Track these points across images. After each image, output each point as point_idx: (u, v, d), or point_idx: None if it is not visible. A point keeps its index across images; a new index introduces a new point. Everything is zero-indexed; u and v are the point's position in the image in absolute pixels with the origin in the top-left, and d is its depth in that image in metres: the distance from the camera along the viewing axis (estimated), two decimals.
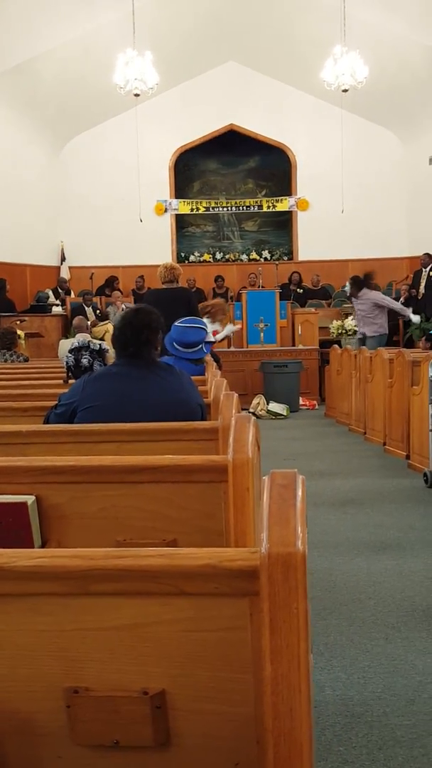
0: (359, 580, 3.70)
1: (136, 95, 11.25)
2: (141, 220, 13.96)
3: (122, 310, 11.00)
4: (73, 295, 13.37)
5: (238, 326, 10.33)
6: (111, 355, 3.91)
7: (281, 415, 9.62)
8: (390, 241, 14.40)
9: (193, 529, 2.03)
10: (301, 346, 11.34)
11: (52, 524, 2.03)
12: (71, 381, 3.68)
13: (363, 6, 11.04)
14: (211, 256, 15.15)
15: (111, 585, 1.16)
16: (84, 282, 13.54)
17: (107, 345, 3.98)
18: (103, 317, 11.65)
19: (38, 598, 1.19)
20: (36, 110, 13.02)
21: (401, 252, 14.45)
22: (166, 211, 14.82)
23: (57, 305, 12.50)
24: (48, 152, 14.25)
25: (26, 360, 7.10)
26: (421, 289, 12.31)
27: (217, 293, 14.05)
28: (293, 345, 11.54)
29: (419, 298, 12.28)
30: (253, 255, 15.11)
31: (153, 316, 2.95)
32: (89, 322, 10.00)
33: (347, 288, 10.31)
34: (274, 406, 9.71)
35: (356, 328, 10.23)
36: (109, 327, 10.32)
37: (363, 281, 9.69)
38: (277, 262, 13.74)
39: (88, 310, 11.77)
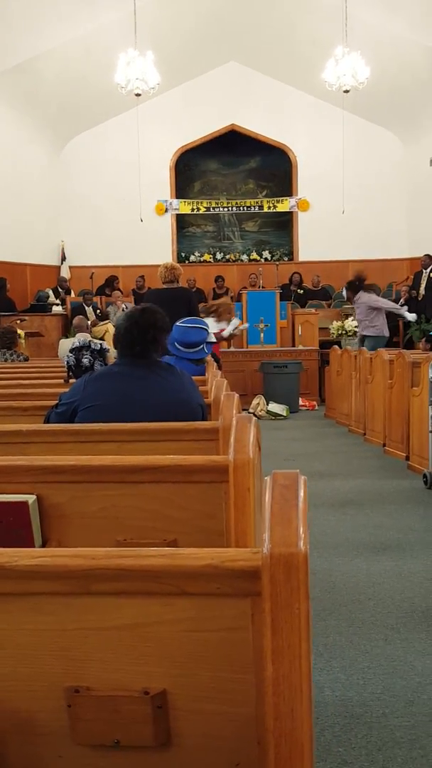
0: (359, 581, 3.70)
1: (138, 95, 11.25)
2: (141, 220, 13.97)
3: (123, 310, 11.00)
4: (73, 294, 13.37)
5: (245, 325, 10.34)
6: (112, 355, 3.92)
7: (281, 415, 9.62)
8: (390, 242, 14.41)
9: (193, 529, 2.03)
10: (301, 347, 11.35)
11: (53, 524, 2.03)
12: (72, 380, 3.68)
13: (364, 6, 11.05)
14: (211, 256, 15.15)
15: (112, 585, 1.16)
16: (84, 281, 13.55)
17: (107, 345, 3.98)
18: (103, 317, 11.65)
19: (40, 598, 1.19)
20: (37, 109, 13.03)
21: (401, 253, 14.45)
22: (166, 211, 14.83)
23: (57, 305, 12.50)
24: (49, 151, 14.25)
25: (26, 359, 7.10)
26: (422, 290, 12.32)
27: (217, 293, 14.05)
28: (293, 345, 11.54)
29: (419, 299, 12.28)
30: (254, 255, 15.11)
31: (159, 315, 2.96)
32: (89, 322, 10.00)
33: (344, 293, 10.32)
34: (274, 407, 9.71)
35: (356, 330, 10.23)
36: (109, 327, 10.33)
37: (358, 284, 9.69)
38: (277, 263, 13.75)
39: (89, 310, 11.77)
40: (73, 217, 14.41)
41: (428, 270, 12.34)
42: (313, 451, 7.32)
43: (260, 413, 9.56)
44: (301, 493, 1.15)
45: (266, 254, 15.07)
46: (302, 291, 13.49)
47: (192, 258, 15.06)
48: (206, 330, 5.29)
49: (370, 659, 2.86)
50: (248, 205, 15.01)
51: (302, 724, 1.08)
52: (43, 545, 1.99)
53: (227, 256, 15.17)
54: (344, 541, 4.33)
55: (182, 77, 13.90)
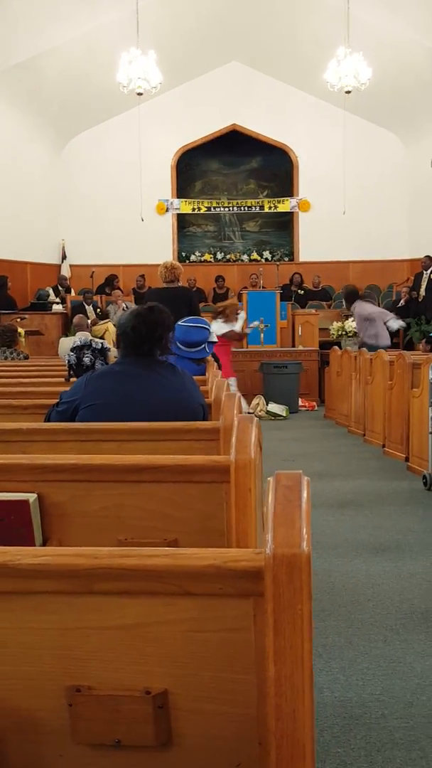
0: (358, 581, 3.70)
1: (139, 94, 11.25)
2: (142, 219, 13.96)
3: (123, 309, 11.01)
4: (73, 293, 13.36)
5: (256, 321, 10.38)
6: (112, 354, 3.92)
7: (280, 416, 9.62)
8: (391, 243, 14.41)
9: (194, 529, 2.02)
10: (301, 347, 11.35)
11: (54, 522, 2.03)
12: (73, 379, 3.68)
13: (367, 7, 11.05)
14: (211, 256, 15.15)
15: (115, 584, 1.16)
16: (84, 280, 13.54)
17: (108, 344, 3.98)
18: (103, 316, 11.65)
19: (42, 597, 1.19)
20: (39, 108, 13.02)
21: (402, 254, 14.45)
22: (167, 210, 14.83)
23: (57, 303, 12.50)
24: (50, 150, 14.25)
25: (26, 358, 7.10)
26: (422, 292, 12.31)
27: (217, 293, 14.06)
28: (293, 346, 11.55)
29: (420, 300, 12.28)
30: (254, 255, 15.11)
31: (165, 314, 2.96)
32: (89, 321, 10.00)
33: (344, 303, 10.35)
34: (274, 407, 9.71)
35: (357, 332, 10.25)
36: (109, 326, 10.32)
37: (352, 296, 9.72)
38: (277, 263, 13.75)
39: (89, 309, 11.77)
40: (74, 216, 14.41)
41: (429, 271, 12.34)
42: (312, 451, 7.32)
43: (260, 413, 9.56)
44: (304, 494, 1.15)
45: (267, 254, 15.07)
46: (302, 291, 13.48)
47: (192, 258, 15.05)
48: (207, 329, 5.29)
49: (369, 660, 2.86)
50: (249, 205, 15.01)
51: (304, 725, 1.08)
52: (44, 544, 1.99)
53: (228, 256, 15.17)
54: (343, 542, 4.33)
55: (184, 77, 13.89)
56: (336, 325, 11.69)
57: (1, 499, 1.93)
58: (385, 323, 9.51)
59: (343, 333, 11.36)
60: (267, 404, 9.78)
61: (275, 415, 9.60)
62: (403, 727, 2.39)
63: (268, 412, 9.63)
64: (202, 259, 15.11)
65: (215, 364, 5.88)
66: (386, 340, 9.37)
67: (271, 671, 1.09)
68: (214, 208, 15.04)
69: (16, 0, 10.17)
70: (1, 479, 2.04)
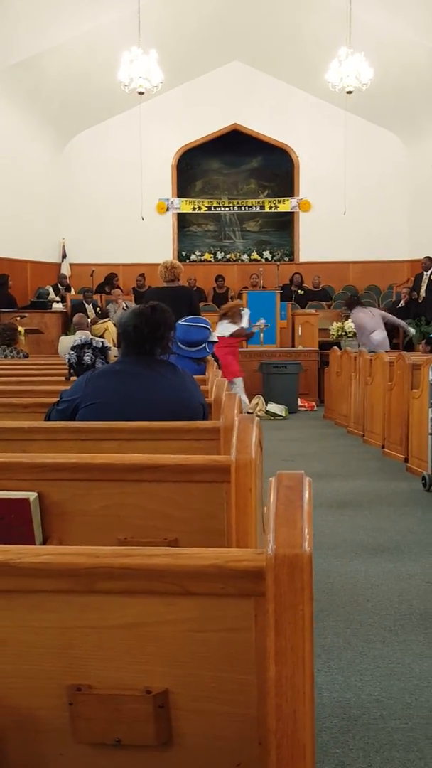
0: (357, 582, 3.70)
1: (141, 93, 11.25)
2: (143, 219, 13.96)
3: (123, 308, 11.00)
4: (73, 291, 13.36)
5: (262, 320, 10.43)
6: (113, 353, 3.92)
7: (280, 416, 9.62)
8: (391, 244, 14.41)
9: (194, 528, 2.02)
10: (300, 347, 11.35)
11: (54, 521, 2.03)
12: (73, 378, 3.68)
13: (368, 8, 11.05)
14: (212, 255, 15.15)
15: (116, 583, 1.16)
16: (85, 279, 13.54)
17: (108, 343, 3.98)
18: (103, 315, 11.65)
19: (43, 595, 1.19)
20: (40, 106, 13.02)
21: (402, 255, 14.46)
22: (167, 209, 14.83)
23: (57, 302, 12.50)
24: (51, 149, 14.25)
25: (26, 356, 7.10)
26: (422, 293, 12.32)
27: (217, 293, 14.06)
28: (293, 346, 11.55)
29: (420, 301, 12.28)
30: (254, 255, 15.11)
31: (168, 313, 2.96)
32: (89, 320, 9.99)
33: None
34: (273, 407, 9.71)
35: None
36: (109, 325, 10.32)
37: (350, 303, 9.74)
38: (278, 263, 13.75)
39: (89, 308, 11.77)
40: (75, 215, 14.41)
41: (429, 272, 12.35)
42: (311, 451, 7.32)
43: (259, 413, 9.56)
44: (306, 495, 1.15)
45: (267, 254, 15.07)
46: (302, 291, 13.48)
47: (192, 257, 15.06)
48: (208, 329, 5.29)
49: (368, 661, 2.86)
50: (249, 204, 15.01)
51: (305, 725, 1.08)
52: (44, 543, 1.99)
53: (228, 256, 15.17)
54: (342, 543, 4.33)
55: (185, 76, 13.89)
56: (336, 325, 11.70)
57: (1, 498, 1.93)
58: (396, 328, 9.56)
59: (343, 333, 11.37)
60: (266, 404, 9.78)
61: (274, 415, 9.60)
62: (402, 728, 2.39)
63: (267, 412, 9.63)
64: (202, 258, 15.11)
65: (215, 363, 5.89)
66: (386, 346, 9.38)
67: (272, 671, 1.09)
68: (215, 207, 15.04)
69: None
70: (1, 477, 2.04)
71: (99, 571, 1.15)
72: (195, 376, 3.39)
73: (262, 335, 11.04)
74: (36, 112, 13.15)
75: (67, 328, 11.25)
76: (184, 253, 14.97)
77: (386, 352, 8.72)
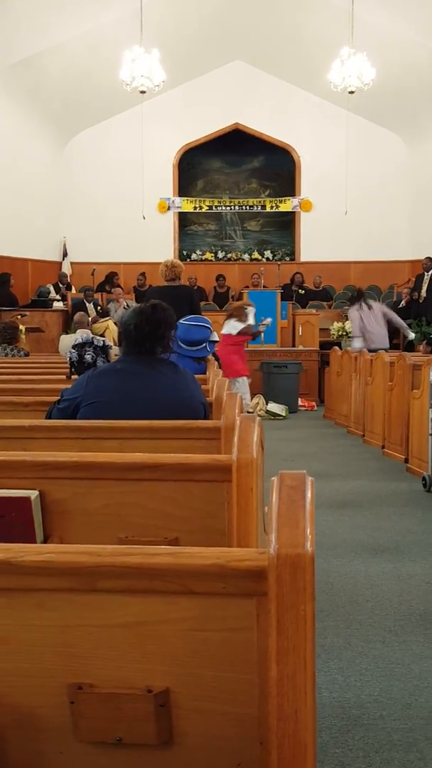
0: (357, 582, 3.70)
1: (142, 92, 11.24)
2: (144, 218, 13.96)
3: (125, 307, 11.00)
4: (74, 290, 13.36)
5: (269, 319, 10.47)
6: (114, 351, 3.92)
7: (280, 415, 9.62)
8: (392, 244, 14.40)
9: (195, 527, 2.02)
10: (301, 347, 11.35)
11: (55, 520, 2.03)
12: (74, 377, 3.68)
13: (371, 8, 11.04)
14: (212, 254, 15.15)
15: (118, 582, 1.16)
16: (85, 278, 13.54)
17: (109, 342, 3.98)
18: (103, 314, 11.65)
19: (44, 594, 1.19)
20: (41, 105, 13.02)
21: (403, 255, 14.45)
22: (169, 208, 14.82)
23: (58, 300, 12.50)
24: (52, 147, 14.24)
25: (27, 355, 7.09)
26: (423, 293, 12.31)
27: (218, 292, 14.06)
28: (293, 346, 11.55)
29: (420, 301, 12.28)
30: (255, 255, 15.10)
31: (169, 312, 2.96)
32: (90, 318, 9.99)
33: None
34: (273, 407, 9.71)
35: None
36: (109, 324, 10.32)
37: (352, 297, 9.69)
38: (278, 263, 13.74)
39: (89, 306, 11.76)
40: (76, 214, 14.40)
41: (430, 272, 12.34)
42: (311, 451, 7.32)
43: (259, 413, 9.56)
44: (308, 495, 1.15)
45: (268, 254, 15.07)
46: (303, 291, 13.48)
47: (193, 256, 15.05)
48: (209, 328, 5.29)
49: (367, 661, 2.86)
50: (251, 204, 15.01)
51: (306, 725, 1.08)
52: (45, 541, 1.99)
53: (229, 255, 15.17)
54: (342, 543, 4.33)
55: (187, 75, 13.89)
56: (336, 325, 11.69)
57: (2, 496, 1.93)
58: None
59: (344, 333, 11.36)
60: (267, 404, 9.78)
61: (275, 415, 9.60)
62: (402, 729, 2.39)
63: (267, 411, 9.63)
64: (203, 257, 15.10)
65: (216, 363, 5.88)
66: (383, 344, 9.27)
67: (273, 671, 1.09)
68: (216, 207, 15.03)
69: None
70: (2, 476, 2.04)
71: (100, 570, 1.15)
72: (196, 376, 3.39)
73: (262, 335, 11.04)
74: (37, 111, 13.15)
75: (67, 327, 11.25)
76: (184, 253, 14.97)
77: (387, 352, 8.70)
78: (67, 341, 8.18)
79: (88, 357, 3.65)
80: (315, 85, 13.47)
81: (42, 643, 1.20)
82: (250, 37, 12.96)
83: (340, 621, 3.23)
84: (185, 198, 14.91)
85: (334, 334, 11.55)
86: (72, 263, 14.33)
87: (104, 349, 3.70)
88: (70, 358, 3.75)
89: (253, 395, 9.96)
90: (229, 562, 1.12)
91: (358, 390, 8.29)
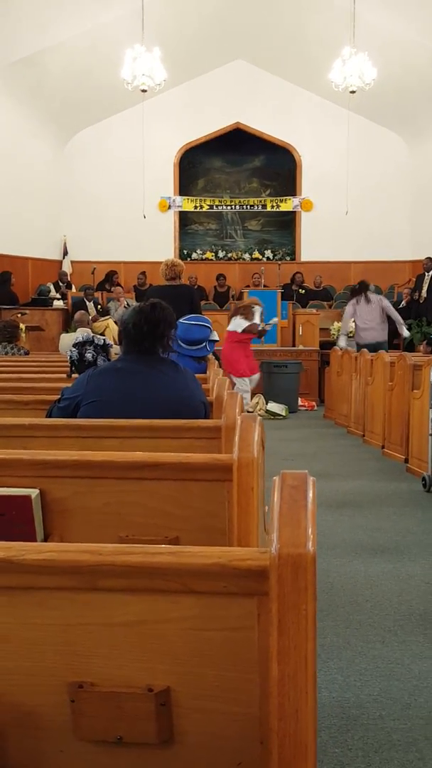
0: (356, 582, 3.70)
1: (143, 91, 11.23)
2: (144, 217, 13.95)
3: (125, 306, 10.99)
4: (74, 289, 13.36)
5: (275, 319, 10.56)
6: (115, 350, 3.91)
7: (280, 415, 9.62)
8: (393, 244, 14.40)
9: (195, 527, 2.02)
10: (301, 347, 11.35)
11: (55, 518, 2.03)
12: (75, 375, 3.68)
13: (372, 8, 11.04)
14: (213, 254, 15.14)
15: (119, 581, 1.16)
16: (86, 276, 13.54)
17: (110, 340, 3.98)
18: (104, 312, 11.64)
19: (45, 592, 1.19)
20: (42, 103, 13.01)
21: (404, 255, 14.45)
22: (169, 207, 14.82)
23: (58, 299, 12.49)
24: (53, 146, 14.23)
25: (27, 353, 7.09)
26: (423, 293, 12.31)
27: (218, 292, 14.06)
28: (293, 345, 11.55)
29: (421, 302, 12.28)
30: (256, 254, 15.10)
31: (168, 311, 2.96)
32: (90, 317, 9.98)
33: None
34: (273, 407, 9.71)
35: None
36: (109, 322, 10.31)
37: (353, 289, 9.67)
38: (279, 262, 13.74)
39: (90, 305, 11.76)
40: (76, 212, 14.40)
41: (430, 273, 12.33)
42: (311, 451, 7.32)
43: (259, 413, 9.55)
44: (310, 494, 1.15)
45: (268, 253, 15.06)
46: (303, 291, 13.48)
47: (194, 256, 15.04)
48: (209, 328, 5.29)
49: (367, 661, 2.86)
50: (251, 203, 15.00)
51: (307, 725, 1.08)
52: (45, 540, 1.99)
53: (229, 255, 15.16)
54: (342, 542, 4.33)
55: (189, 74, 13.88)
56: (336, 325, 11.67)
57: (2, 494, 1.93)
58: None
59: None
60: (267, 403, 9.78)
61: (275, 415, 9.60)
62: (401, 729, 2.39)
63: (267, 411, 9.63)
64: (204, 257, 15.10)
65: (216, 362, 5.89)
66: (364, 341, 9.28)
67: (274, 671, 1.09)
68: (217, 206, 15.03)
69: None
70: (2, 474, 2.04)
71: (102, 569, 1.15)
72: (196, 375, 3.39)
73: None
74: (38, 110, 13.14)
75: (67, 326, 11.24)
76: (185, 252, 14.97)
77: (382, 348, 8.70)
78: (67, 340, 8.18)
79: (88, 355, 3.65)
80: (316, 85, 13.46)
81: (43, 641, 1.20)
82: (251, 36, 12.95)
83: (340, 621, 3.23)
84: (186, 197, 14.91)
85: (334, 334, 11.52)
86: (72, 262, 14.33)
87: (105, 348, 3.70)
88: (71, 357, 3.75)
89: (253, 395, 9.97)
90: (231, 561, 1.12)
91: (358, 390, 8.29)
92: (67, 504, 2.03)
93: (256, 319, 8.86)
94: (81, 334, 4.57)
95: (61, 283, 13.34)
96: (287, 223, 15.12)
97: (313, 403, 10.70)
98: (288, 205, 14.90)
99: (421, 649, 2.96)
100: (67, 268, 14.08)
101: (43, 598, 1.19)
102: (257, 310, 8.83)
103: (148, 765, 1.22)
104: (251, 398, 9.64)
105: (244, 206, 15.00)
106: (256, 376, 9.41)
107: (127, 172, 14.13)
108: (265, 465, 2.17)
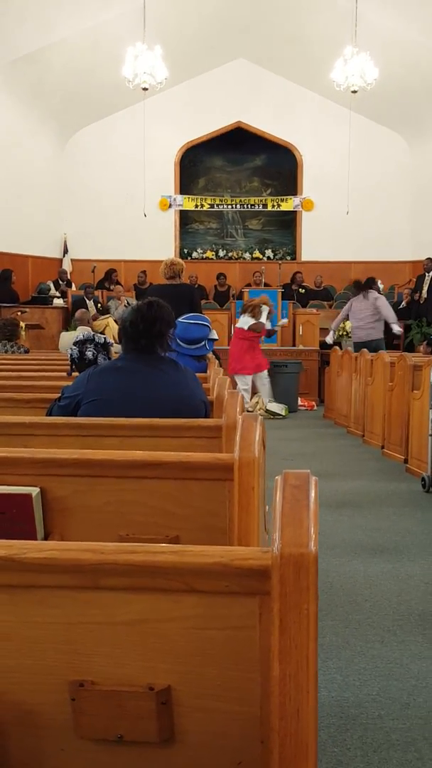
0: (356, 582, 3.70)
1: (145, 89, 11.23)
2: (145, 215, 13.95)
3: (125, 305, 10.99)
4: (74, 287, 13.36)
5: (284, 320, 10.68)
6: (115, 349, 3.91)
7: (280, 415, 9.62)
8: (394, 244, 14.40)
9: (196, 526, 2.02)
10: (301, 347, 11.35)
11: (55, 517, 2.03)
12: (75, 374, 3.68)
13: (374, 7, 11.04)
14: (213, 253, 15.14)
15: (121, 580, 1.16)
16: (86, 275, 13.53)
17: (110, 339, 3.98)
18: (104, 311, 11.64)
19: (47, 591, 1.19)
20: (43, 101, 13.00)
21: (404, 255, 14.45)
22: (170, 206, 14.81)
23: (58, 297, 12.49)
24: (54, 143, 14.23)
25: (27, 351, 7.09)
26: (424, 294, 12.31)
27: (218, 291, 14.06)
28: (294, 345, 11.55)
29: (421, 302, 12.28)
30: (256, 254, 15.09)
31: (166, 309, 2.96)
32: (90, 316, 9.98)
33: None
34: (273, 406, 9.70)
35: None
36: (109, 321, 10.32)
37: (358, 286, 9.66)
38: (279, 262, 13.73)
39: (90, 304, 11.75)
40: (77, 210, 14.39)
41: (431, 273, 12.34)
42: (311, 451, 7.32)
43: (259, 412, 9.55)
44: (312, 494, 1.15)
45: (269, 253, 15.06)
46: (303, 290, 13.48)
47: (194, 255, 15.04)
48: (208, 327, 5.29)
49: (366, 661, 2.86)
50: (252, 203, 14.99)
51: (308, 724, 1.09)
52: (45, 538, 1.99)
53: (229, 254, 15.15)
54: (341, 542, 4.33)
55: (190, 73, 13.88)
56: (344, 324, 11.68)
57: (3, 493, 1.93)
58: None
59: (344, 333, 11.36)
60: (266, 403, 9.77)
61: (274, 414, 9.60)
62: (400, 729, 2.39)
63: (267, 410, 9.62)
64: (204, 256, 15.09)
65: (216, 361, 5.89)
66: (331, 340, 9.38)
67: (275, 670, 1.09)
68: (217, 205, 15.02)
69: None
70: (2, 473, 2.04)
71: (104, 568, 1.15)
72: (197, 374, 3.39)
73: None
74: (39, 108, 13.13)
75: (67, 324, 11.24)
76: (185, 251, 14.96)
77: (383, 350, 8.70)
78: (67, 338, 8.17)
79: (89, 354, 3.65)
80: (318, 84, 13.46)
81: (44, 640, 1.20)
82: (253, 35, 12.95)
83: (339, 621, 3.23)
84: (186, 196, 14.90)
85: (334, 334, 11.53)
86: (72, 260, 14.33)
87: (105, 347, 3.70)
88: (71, 355, 3.75)
89: (253, 394, 9.98)
90: (233, 560, 1.13)
91: (358, 390, 8.29)
92: (67, 502, 2.03)
93: (263, 318, 8.93)
94: (81, 332, 4.57)
95: (61, 282, 13.34)
96: (288, 223, 15.11)
97: (313, 403, 10.71)
98: (289, 204, 14.89)
99: (420, 649, 2.97)
100: (67, 266, 14.08)
101: (44, 597, 1.19)
102: (264, 310, 8.89)
103: (149, 764, 1.22)
104: (252, 397, 9.67)
105: (245, 205, 15.00)
106: (264, 374, 9.45)
107: (128, 171, 14.13)
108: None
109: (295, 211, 14.93)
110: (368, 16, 11.08)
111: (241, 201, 14.99)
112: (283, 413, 9.66)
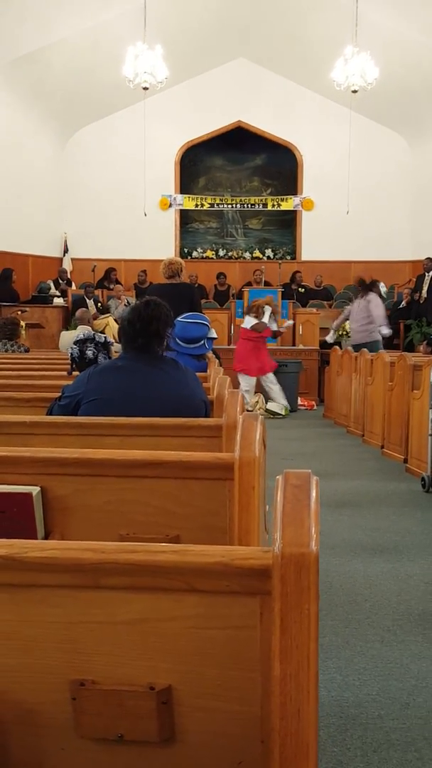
0: (356, 582, 3.70)
1: (145, 89, 11.22)
2: (145, 215, 13.94)
3: (126, 304, 10.99)
4: (74, 286, 13.35)
5: (289, 322, 10.75)
6: (115, 348, 3.91)
7: (279, 414, 9.62)
8: (394, 244, 14.40)
9: (196, 525, 2.03)
10: (301, 346, 11.34)
11: (56, 516, 2.03)
12: (75, 373, 3.67)
13: (375, 7, 11.03)
14: (214, 252, 15.13)
15: (121, 579, 1.16)
16: (86, 274, 13.53)
17: (110, 338, 3.98)
18: (104, 310, 11.64)
19: (48, 590, 1.19)
20: (43, 100, 13.00)
21: (404, 255, 14.45)
22: (170, 206, 14.81)
23: (58, 296, 12.49)
24: (54, 143, 14.22)
25: (27, 350, 7.09)
26: (424, 294, 12.30)
27: (218, 290, 14.05)
28: (293, 345, 11.55)
29: (421, 302, 12.27)
30: (256, 253, 15.09)
31: (163, 308, 2.95)
32: (90, 315, 9.97)
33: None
34: (273, 406, 9.71)
35: None
36: (109, 320, 10.32)
37: (363, 286, 9.63)
38: (279, 261, 13.73)
39: (90, 303, 11.75)
40: (77, 210, 14.39)
41: (431, 273, 12.33)
42: (311, 451, 7.32)
43: (259, 412, 9.55)
44: (313, 494, 1.15)
45: (269, 252, 15.05)
46: (303, 290, 13.47)
47: (194, 254, 15.04)
48: (207, 326, 5.29)
49: (366, 660, 2.86)
50: (252, 202, 14.99)
51: (308, 724, 1.09)
52: (46, 537, 1.99)
53: (230, 253, 15.15)
54: (341, 542, 4.33)
55: (190, 72, 13.87)
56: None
57: (3, 492, 1.93)
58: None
59: (344, 333, 11.35)
60: (266, 402, 9.78)
61: (274, 414, 9.60)
62: (400, 728, 2.39)
63: (267, 410, 9.63)
64: (204, 255, 15.09)
65: (216, 360, 5.88)
66: (332, 340, 9.41)
67: (276, 670, 1.09)
68: (218, 204, 15.01)
69: None
70: (3, 472, 2.04)
71: (104, 567, 1.15)
72: (197, 373, 3.39)
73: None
74: (39, 107, 13.13)
75: (67, 323, 11.24)
76: (185, 250, 14.96)
77: (387, 352, 8.69)
78: (67, 338, 8.17)
79: (89, 353, 3.65)
80: (318, 84, 13.45)
81: (45, 639, 1.20)
82: (253, 34, 12.94)
83: (339, 620, 3.23)
84: (187, 195, 14.90)
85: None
86: (72, 259, 14.33)
87: (105, 346, 3.70)
88: (72, 354, 3.75)
89: (256, 393, 9.98)
90: (234, 560, 1.13)
91: (358, 390, 8.29)
92: (67, 502, 2.03)
93: (265, 319, 8.96)
94: (82, 331, 4.57)
95: (61, 281, 13.34)
96: (288, 222, 15.11)
97: (313, 403, 10.71)
98: (289, 204, 14.89)
99: (420, 648, 2.97)
100: (67, 265, 14.08)
101: (45, 596, 1.19)
102: (267, 310, 8.92)
103: (149, 763, 1.22)
104: (256, 396, 9.68)
105: (245, 205, 14.99)
106: (270, 376, 9.47)
107: (128, 170, 14.13)
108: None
109: (295, 211, 14.93)
110: (369, 16, 11.08)
111: (241, 200, 14.98)
112: (283, 413, 9.66)
